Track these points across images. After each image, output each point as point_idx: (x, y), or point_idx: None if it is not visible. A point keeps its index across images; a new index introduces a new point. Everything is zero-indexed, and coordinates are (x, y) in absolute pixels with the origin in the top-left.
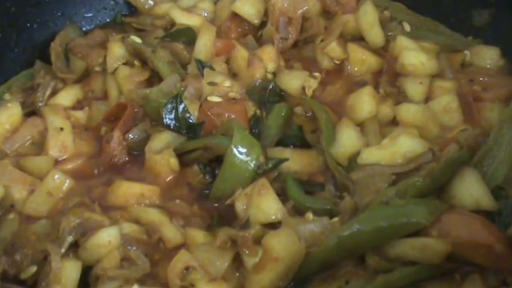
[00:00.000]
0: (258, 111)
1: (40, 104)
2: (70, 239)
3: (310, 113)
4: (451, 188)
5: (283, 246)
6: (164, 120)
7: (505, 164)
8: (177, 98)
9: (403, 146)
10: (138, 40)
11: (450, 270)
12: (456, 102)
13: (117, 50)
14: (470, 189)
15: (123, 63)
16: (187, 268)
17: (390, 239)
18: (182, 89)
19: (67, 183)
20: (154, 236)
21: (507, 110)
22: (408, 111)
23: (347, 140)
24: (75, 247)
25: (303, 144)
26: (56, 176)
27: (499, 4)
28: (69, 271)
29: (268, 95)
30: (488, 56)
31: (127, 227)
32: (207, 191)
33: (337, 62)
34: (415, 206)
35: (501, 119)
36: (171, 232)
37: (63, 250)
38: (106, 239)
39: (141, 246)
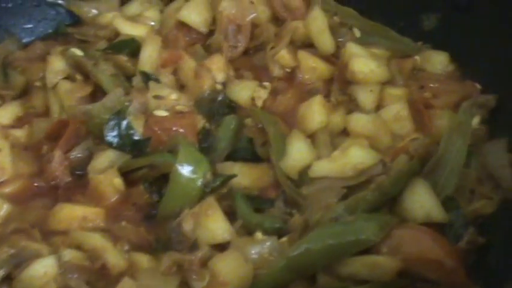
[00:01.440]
0: (207, 124)
1: None
2: (1, 272)
3: (260, 125)
4: (402, 201)
5: (230, 269)
6: (106, 138)
7: (455, 173)
8: (120, 114)
9: (354, 158)
10: (79, 53)
11: (402, 287)
12: (406, 110)
13: (57, 64)
14: (421, 201)
15: (65, 78)
16: None
17: (340, 258)
18: (126, 103)
19: (4, 209)
20: (97, 263)
21: (456, 117)
22: (358, 122)
23: (297, 153)
24: (9, 280)
25: (253, 157)
26: None
27: (446, 8)
28: None
29: (217, 106)
30: (438, 61)
31: (68, 254)
32: (155, 211)
33: (288, 70)
34: (364, 223)
35: (451, 126)
36: (114, 258)
37: None
38: (41, 270)
39: (83, 274)
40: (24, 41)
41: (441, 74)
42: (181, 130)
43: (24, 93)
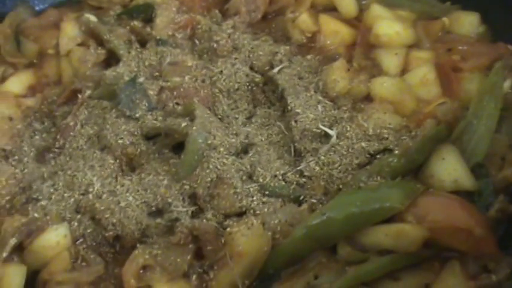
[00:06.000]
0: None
1: None
2: (13, 241)
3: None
4: (428, 168)
5: (247, 239)
6: (120, 105)
7: (486, 139)
8: (135, 81)
9: (377, 123)
10: (93, 19)
11: (428, 258)
12: (433, 73)
13: (70, 30)
14: (449, 168)
15: (78, 44)
16: (144, 267)
17: (363, 227)
18: (141, 70)
19: None
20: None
21: (487, 80)
22: (382, 86)
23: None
24: (20, 250)
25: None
26: None
27: None
28: (12, 277)
29: None
30: (467, 23)
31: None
32: None
33: (309, 35)
34: (388, 190)
35: (481, 90)
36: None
37: (5, 254)
38: (53, 239)
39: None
40: (37, 8)
41: (471, 35)
42: (196, 97)
43: (37, 62)
